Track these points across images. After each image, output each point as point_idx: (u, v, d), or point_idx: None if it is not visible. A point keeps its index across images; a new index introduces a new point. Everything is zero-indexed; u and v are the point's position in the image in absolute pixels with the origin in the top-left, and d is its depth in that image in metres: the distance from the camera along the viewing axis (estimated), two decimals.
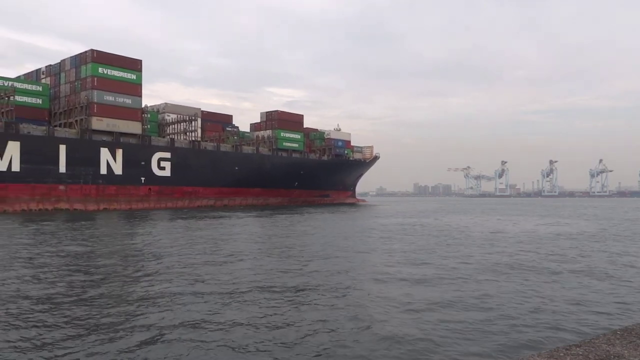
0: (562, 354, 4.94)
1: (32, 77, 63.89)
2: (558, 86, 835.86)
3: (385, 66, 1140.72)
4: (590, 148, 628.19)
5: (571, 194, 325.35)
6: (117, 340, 8.30)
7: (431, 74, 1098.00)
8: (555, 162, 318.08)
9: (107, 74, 57.14)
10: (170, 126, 68.97)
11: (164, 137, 67.30)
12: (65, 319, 9.47)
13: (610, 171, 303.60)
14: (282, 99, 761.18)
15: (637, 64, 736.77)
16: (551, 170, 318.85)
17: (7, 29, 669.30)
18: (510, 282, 13.49)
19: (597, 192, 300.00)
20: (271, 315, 9.91)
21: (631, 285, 13.30)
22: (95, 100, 55.84)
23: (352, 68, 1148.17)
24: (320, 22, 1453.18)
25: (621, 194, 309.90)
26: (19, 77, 64.02)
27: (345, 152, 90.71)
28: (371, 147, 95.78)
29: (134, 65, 60.00)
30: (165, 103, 70.86)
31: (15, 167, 50.11)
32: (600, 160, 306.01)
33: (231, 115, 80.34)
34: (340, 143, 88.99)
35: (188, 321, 9.37)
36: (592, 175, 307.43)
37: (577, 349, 5.12)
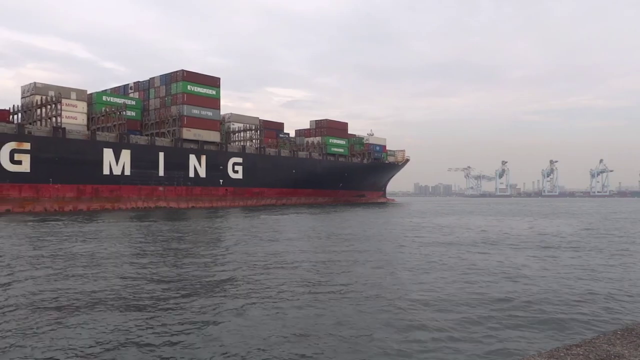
0: (562, 354, 4.97)
1: (119, 91, 72.55)
2: (558, 86, 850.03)
3: (385, 66, 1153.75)
4: (590, 148, 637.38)
5: (572, 194, 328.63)
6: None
7: (431, 74, 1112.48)
8: (556, 162, 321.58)
9: (194, 90, 66.03)
10: (236, 134, 77.89)
11: (229, 144, 75.99)
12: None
13: (611, 171, 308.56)
14: (282, 99, 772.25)
15: (637, 64, 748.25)
16: (552, 170, 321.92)
17: (7, 29, 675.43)
18: None
19: (598, 192, 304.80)
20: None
21: None
22: (185, 114, 64.70)
23: (353, 68, 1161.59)
24: (320, 22, 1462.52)
25: (622, 194, 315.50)
26: (105, 91, 72.47)
27: (382, 155, 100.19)
28: (403, 151, 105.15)
29: (214, 82, 68.92)
30: (230, 113, 79.79)
31: (127, 171, 58.94)
32: (601, 160, 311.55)
33: (282, 123, 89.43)
34: (378, 148, 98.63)
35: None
36: (593, 175, 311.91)
37: (578, 349, 5.13)
